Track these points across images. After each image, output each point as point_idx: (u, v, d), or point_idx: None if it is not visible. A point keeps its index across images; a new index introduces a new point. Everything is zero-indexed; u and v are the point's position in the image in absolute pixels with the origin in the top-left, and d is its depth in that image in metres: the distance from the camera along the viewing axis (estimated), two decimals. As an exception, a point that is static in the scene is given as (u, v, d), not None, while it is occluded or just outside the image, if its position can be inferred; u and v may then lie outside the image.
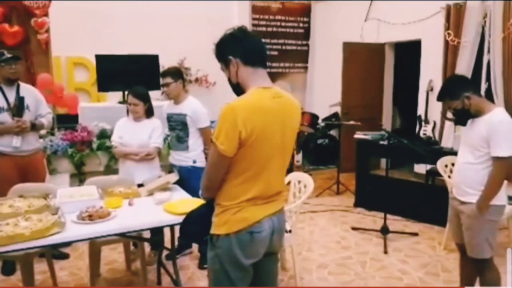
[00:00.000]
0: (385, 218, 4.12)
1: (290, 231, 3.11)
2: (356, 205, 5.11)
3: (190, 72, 6.63)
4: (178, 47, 6.35)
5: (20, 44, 5.13)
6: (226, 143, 1.63)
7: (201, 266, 3.46)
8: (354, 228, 4.39)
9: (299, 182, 3.37)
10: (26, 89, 3.46)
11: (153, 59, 5.46)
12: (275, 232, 1.80)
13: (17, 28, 5.11)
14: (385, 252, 3.82)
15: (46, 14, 5.23)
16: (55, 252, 3.49)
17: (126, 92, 4.23)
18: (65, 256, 3.65)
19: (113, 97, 5.66)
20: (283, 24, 7.31)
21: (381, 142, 4.78)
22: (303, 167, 6.66)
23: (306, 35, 7.49)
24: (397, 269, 3.52)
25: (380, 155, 5.81)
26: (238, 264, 1.73)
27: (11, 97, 3.32)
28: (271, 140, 1.71)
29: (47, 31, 5.27)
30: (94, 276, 3.05)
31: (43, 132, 4.07)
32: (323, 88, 7.32)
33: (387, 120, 6.97)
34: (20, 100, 3.33)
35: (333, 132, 6.79)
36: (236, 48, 1.74)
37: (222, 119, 1.64)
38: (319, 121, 6.61)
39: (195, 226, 1.88)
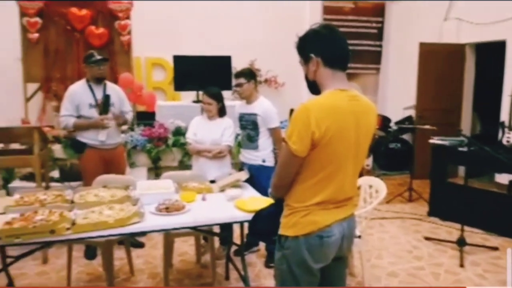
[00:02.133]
0: (462, 229, 3.87)
1: (359, 237, 3.04)
2: (430, 214, 4.86)
3: (260, 73, 6.72)
4: (249, 48, 6.45)
5: (105, 45, 5.51)
6: (299, 143, 1.60)
7: (267, 265, 3.49)
8: (427, 238, 4.18)
9: (370, 187, 3.28)
10: (112, 88, 3.71)
11: (226, 60, 5.60)
12: (345, 238, 1.77)
13: (102, 30, 5.49)
14: (461, 265, 3.60)
15: (128, 17, 5.57)
16: (132, 241, 3.71)
17: (200, 92, 4.38)
18: (141, 245, 3.87)
19: (187, 96, 5.89)
20: (355, 24, 7.15)
21: (460, 149, 4.50)
22: (373, 171, 6.47)
23: (379, 35, 7.27)
24: (473, 283, 3.30)
25: (457, 162, 5.47)
26: (306, 267, 1.71)
27: (99, 94, 3.57)
28: (345, 143, 1.66)
29: (129, 33, 5.61)
30: (167, 266, 3.19)
31: (124, 128, 4.34)
32: (396, 90, 7.07)
33: (466, 126, 6.55)
34: (106, 98, 3.57)
35: (405, 136, 6.53)
36: (319, 47, 1.70)
37: (296, 118, 1.62)
38: (391, 124, 6.39)
39: (264, 225, 1.89)
